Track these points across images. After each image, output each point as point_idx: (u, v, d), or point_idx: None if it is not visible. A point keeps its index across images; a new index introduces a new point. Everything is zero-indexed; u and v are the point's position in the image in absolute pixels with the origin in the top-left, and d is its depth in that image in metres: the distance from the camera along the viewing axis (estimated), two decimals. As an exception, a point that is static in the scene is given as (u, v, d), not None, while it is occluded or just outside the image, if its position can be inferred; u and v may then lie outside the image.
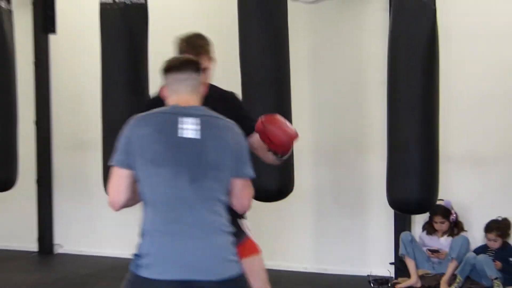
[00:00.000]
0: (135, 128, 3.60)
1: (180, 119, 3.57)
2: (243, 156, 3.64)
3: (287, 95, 6.60)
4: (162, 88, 3.82)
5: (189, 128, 3.56)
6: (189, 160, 3.52)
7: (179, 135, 3.54)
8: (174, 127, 3.56)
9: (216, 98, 4.28)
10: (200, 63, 3.82)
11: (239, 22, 6.61)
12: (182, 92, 3.72)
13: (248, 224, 4.51)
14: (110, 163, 3.58)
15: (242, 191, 3.64)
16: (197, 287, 3.43)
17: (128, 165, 3.54)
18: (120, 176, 3.55)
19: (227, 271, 3.49)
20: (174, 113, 3.61)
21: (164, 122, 3.60)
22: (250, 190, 3.69)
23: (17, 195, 8.48)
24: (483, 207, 7.39)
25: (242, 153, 3.64)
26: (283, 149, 4.25)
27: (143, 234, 3.51)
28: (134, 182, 3.55)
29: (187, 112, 3.61)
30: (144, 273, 3.43)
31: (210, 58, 4.49)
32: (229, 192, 3.61)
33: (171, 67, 3.77)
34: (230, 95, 4.60)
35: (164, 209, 3.49)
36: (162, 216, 3.49)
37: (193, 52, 4.36)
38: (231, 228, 3.58)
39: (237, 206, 3.69)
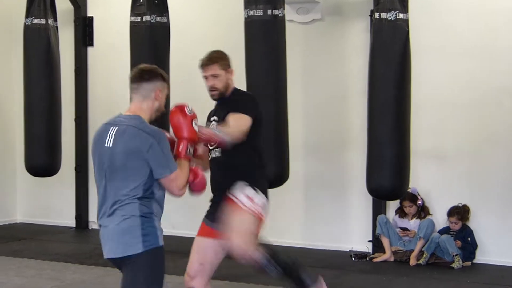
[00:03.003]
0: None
1: (110, 129, 3.67)
2: (154, 159, 3.55)
3: (284, 101, 6.61)
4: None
5: (109, 138, 3.64)
6: (106, 166, 3.63)
7: (105, 144, 3.65)
8: (105, 137, 3.66)
9: (232, 99, 4.36)
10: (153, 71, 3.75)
11: (245, 41, 6.62)
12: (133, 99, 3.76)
13: (249, 192, 4.37)
14: None
15: (168, 186, 3.62)
16: (113, 263, 3.72)
17: None
18: None
19: (124, 251, 3.61)
20: (109, 123, 3.70)
21: (100, 133, 3.71)
22: (175, 183, 3.62)
23: (60, 180, 8.55)
24: (446, 195, 7.31)
25: (151, 156, 3.55)
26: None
27: None
28: None
29: (114, 122, 3.69)
30: None
31: (223, 68, 4.41)
32: (149, 186, 3.61)
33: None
34: (243, 96, 4.52)
35: (98, 205, 3.72)
36: (98, 210, 3.73)
37: (208, 62, 4.39)
38: (135, 213, 3.61)
39: (173, 194, 3.66)
